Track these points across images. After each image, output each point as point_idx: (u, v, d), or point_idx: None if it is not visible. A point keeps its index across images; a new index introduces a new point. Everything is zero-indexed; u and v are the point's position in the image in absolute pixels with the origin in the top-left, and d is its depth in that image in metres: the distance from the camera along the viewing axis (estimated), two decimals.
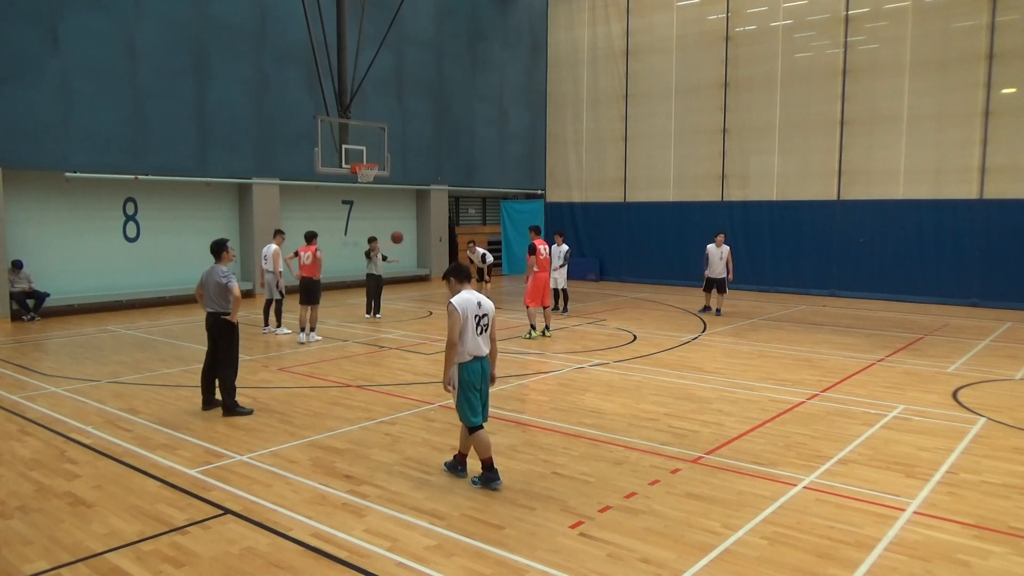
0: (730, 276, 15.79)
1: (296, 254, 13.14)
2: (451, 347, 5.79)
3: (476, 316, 5.85)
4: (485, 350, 5.93)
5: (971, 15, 17.10)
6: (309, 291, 12.81)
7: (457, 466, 6.18)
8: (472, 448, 6.00)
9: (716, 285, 15.81)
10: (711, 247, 15.75)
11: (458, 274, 6.04)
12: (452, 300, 5.84)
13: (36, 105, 15.46)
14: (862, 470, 6.29)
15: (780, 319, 15.40)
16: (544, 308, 13.11)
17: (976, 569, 4.57)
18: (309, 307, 12.81)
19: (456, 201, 27.23)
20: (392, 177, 19.37)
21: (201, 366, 8.46)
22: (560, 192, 24.95)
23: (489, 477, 5.88)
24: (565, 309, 15.82)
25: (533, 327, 12.94)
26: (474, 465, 6.18)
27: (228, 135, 18.88)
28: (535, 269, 12.97)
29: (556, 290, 15.60)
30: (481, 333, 5.88)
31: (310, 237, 13.16)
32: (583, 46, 23.92)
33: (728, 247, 15.70)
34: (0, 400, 8.83)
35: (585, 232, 24.24)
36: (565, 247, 15.58)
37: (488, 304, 5.96)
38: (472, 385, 5.88)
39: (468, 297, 5.87)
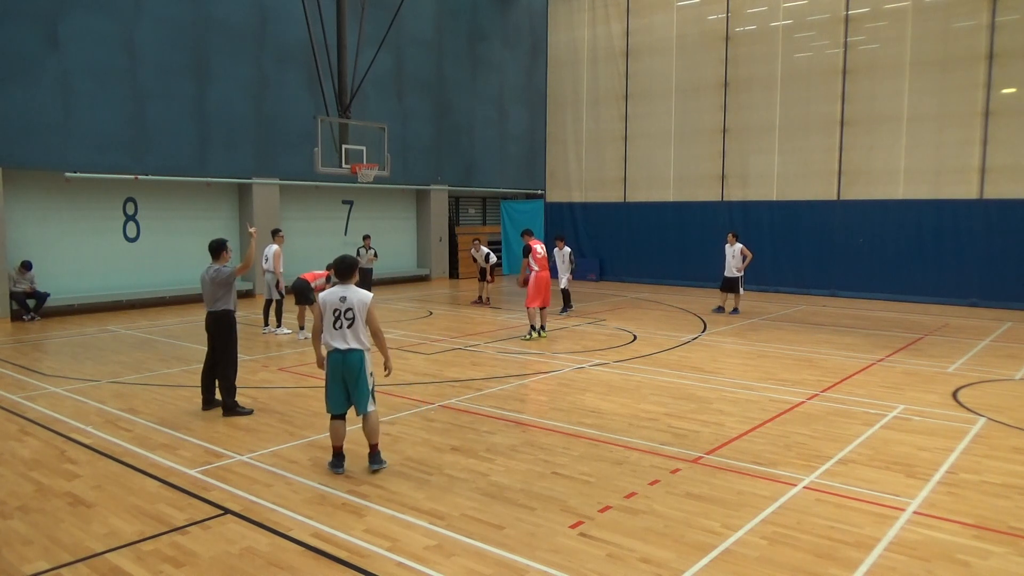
0: (737, 271, 15.68)
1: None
2: (314, 335, 6.34)
3: (336, 310, 6.10)
4: (342, 344, 6.10)
5: (971, 15, 17.10)
6: (298, 293, 12.95)
7: (380, 460, 6.30)
8: (374, 434, 6.28)
9: (728, 285, 15.90)
10: (725, 247, 15.88)
11: (335, 269, 6.35)
12: (320, 293, 6.24)
13: (36, 105, 15.46)
14: (862, 470, 6.29)
15: (780, 319, 15.40)
16: (542, 308, 12.98)
17: (976, 569, 4.57)
18: (302, 308, 13.12)
19: (456, 201, 27.22)
20: (392, 177, 19.38)
21: (201, 366, 8.46)
22: (560, 192, 24.95)
23: (334, 463, 6.28)
24: (564, 309, 15.80)
25: (533, 328, 12.86)
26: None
27: (228, 135, 18.88)
28: (535, 268, 12.86)
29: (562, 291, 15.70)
30: (340, 327, 6.10)
31: (329, 267, 12.86)
32: (583, 46, 23.92)
33: (740, 245, 15.74)
34: (0, 400, 8.84)
35: (585, 232, 24.24)
36: (567, 250, 15.61)
37: (355, 298, 6.13)
38: (332, 375, 6.16)
39: (333, 291, 6.18)
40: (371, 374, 6.22)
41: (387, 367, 6.34)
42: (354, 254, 17.03)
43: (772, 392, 9.08)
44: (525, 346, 12.27)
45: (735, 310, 16.09)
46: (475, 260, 18.42)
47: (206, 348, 8.32)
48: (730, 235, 15.98)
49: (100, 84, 16.39)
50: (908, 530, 5.11)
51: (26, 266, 15.35)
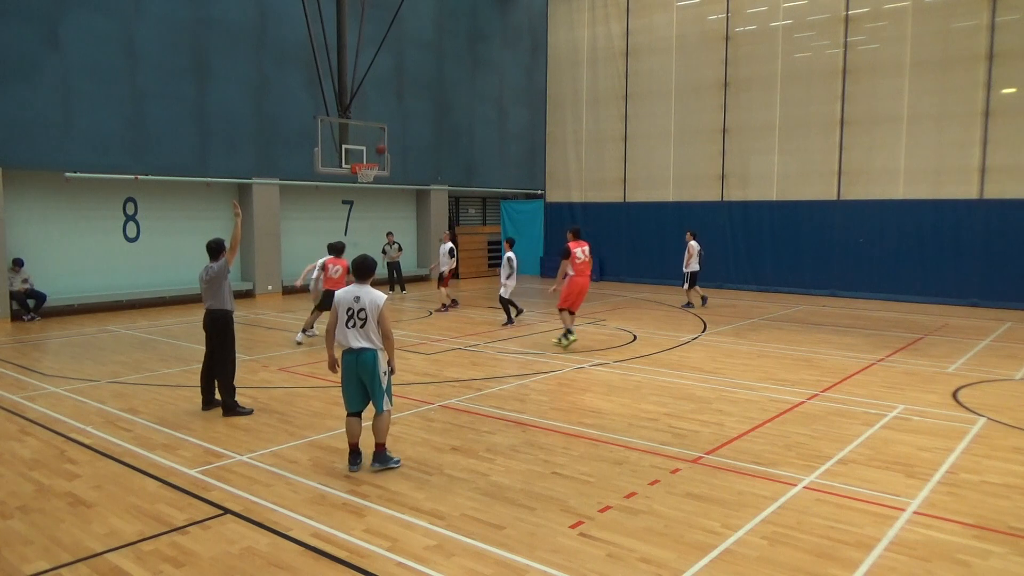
0: (684, 267, 16.94)
1: (324, 267, 12.37)
2: (327, 335, 6.41)
3: (349, 309, 6.15)
4: (356, 343, 6.14)
5: (971, 15, 17.10)
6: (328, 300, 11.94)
7: (386, 459, 6.33)
8: (383, 432, 6.33)
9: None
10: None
11: (354, 268, 6.36)
12: (336, 292, 6.41)
13: (36, 105, 15.46)
14: (862, 470, 6.29)
15: (780, 319, 15.40)
16: (572, 312, 11.95)
17: (976, 569, 4.57)
18: (320, 313, 12.37)
19: (456, 201, 27.23)
20: (392, 177, 19.37)
21: (200, 366, 8.46)
22: (560, 192, 24.95)
23: (350, 460, 6.35)
24: (511, 319, 14.66)
25: (569, 332, 11.83)
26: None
27: (228, 135, 18.88)
28: (570, 273, 11.82)
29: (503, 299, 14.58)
30: (353, 326, 6.14)
31: (340, 250, 12.39)
32: (583, 46, 23.92)
33: (691, 244, 16.78)
34: (0, 400, 8.84)
35: (585, 232, 24.16)
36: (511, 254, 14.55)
37: (368, 298, 6.15)
38: (346, 374, 6.25)
39: (348, 290, 6.24)
40: (385, 372, 6.24)
41: (390, 368, 6.33)
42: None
43: (772, 392, 9.08)
44: (557, 350, 11.72)
45: (688, 304, 17.08)
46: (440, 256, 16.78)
47: (204, 348, 8.31)
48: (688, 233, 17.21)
49: (100, 84, 16.38)
50: (908, 530, 5.11)
51: (17, 263, 15.20)
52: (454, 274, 17.62)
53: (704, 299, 17.19)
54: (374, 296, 6.16)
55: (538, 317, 15.82)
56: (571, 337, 11.86)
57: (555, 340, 12.16)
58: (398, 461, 6.41)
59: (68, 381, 9.81)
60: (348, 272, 12.08)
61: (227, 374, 8.13)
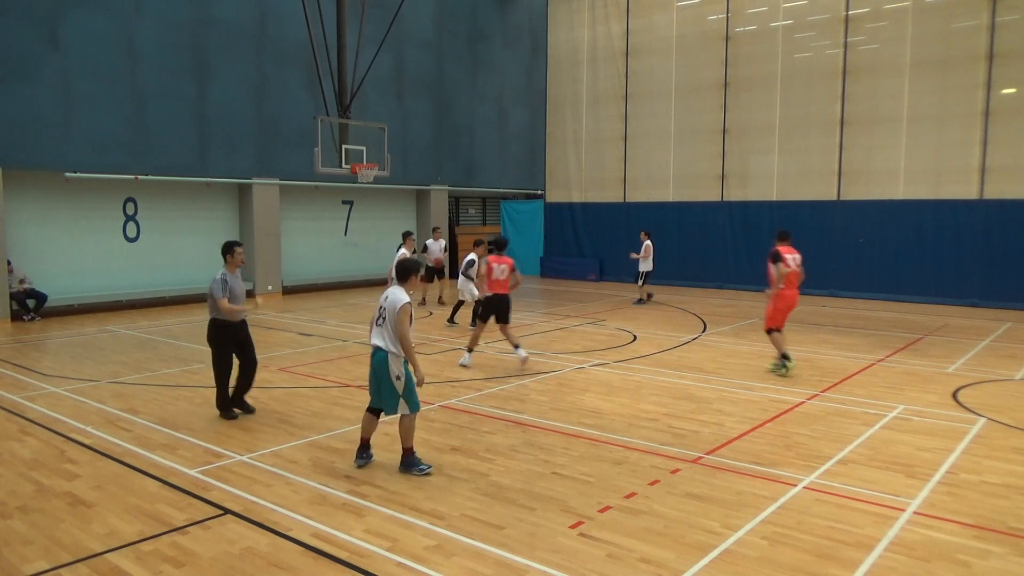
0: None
1: (490, 266, 10.80)
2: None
3: (380, 307, 6.25)
4: (374, 340, 6.20)
5: (971, 15, 17.09)
6: (505, 308, 10.85)
7: (411, 464, 6.27)
8: (408, 435, 6.31)
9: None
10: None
11: (395, 269, 6.40)
12: None
13: (36, 105, 15.45)
14: (862, 470, 6.29)
15: None
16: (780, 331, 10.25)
17: (976, 569, 4.57)
18: (504, 327, 10.90)
19: (456, 201, 27.23)
20: (392, 177, 19.37)
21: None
22: (560, 192, 24.95)
23: (357, 453, 6.48)
24: (452, 320, 14.58)
25: (785, 356, 10.02)
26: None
27: (228, 135, 18.88)
28: (780, 285, 10.05)
29: (477, 302, 13.69)
30: (377, 324, 6.23)
31: (502, 245, 11.10)
32: (583, 46, 23.92)
33: (647, 243, 17.59)
34: (0, 400, 8.84)
35: (585, 232, 24.24)
36: (474, 256, 13.89)
37: (391, 299, 6.16)
38: (370, 369, 6.32)
39: (385, 292, 6.30)
40: (398, 378, 6.07)
41: (417, 376, 6.14)
42: (391, 252, 17.06)
43: (772, 392, 9.08)
44: (766, 379, 9.94)
45: (640, 300, 17.92)
46: (428, 257, 17.20)
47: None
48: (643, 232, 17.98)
49: (100, 84, 16.38)
50: (908, 530, 5.11)
51: (7, 263, 15.03)
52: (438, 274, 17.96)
53: (642, 301, 17.94)
54: (396, 298, 6.08)
55: (538, 318, 15.83)
56: (789, 364, 9.99)
57: (770, 367, 10.32)
58: (424, 469, 6.20)
59: (68, 381, 9.81)
60: (513, 271, 10.84)
61: (218, 380, 8.00)
